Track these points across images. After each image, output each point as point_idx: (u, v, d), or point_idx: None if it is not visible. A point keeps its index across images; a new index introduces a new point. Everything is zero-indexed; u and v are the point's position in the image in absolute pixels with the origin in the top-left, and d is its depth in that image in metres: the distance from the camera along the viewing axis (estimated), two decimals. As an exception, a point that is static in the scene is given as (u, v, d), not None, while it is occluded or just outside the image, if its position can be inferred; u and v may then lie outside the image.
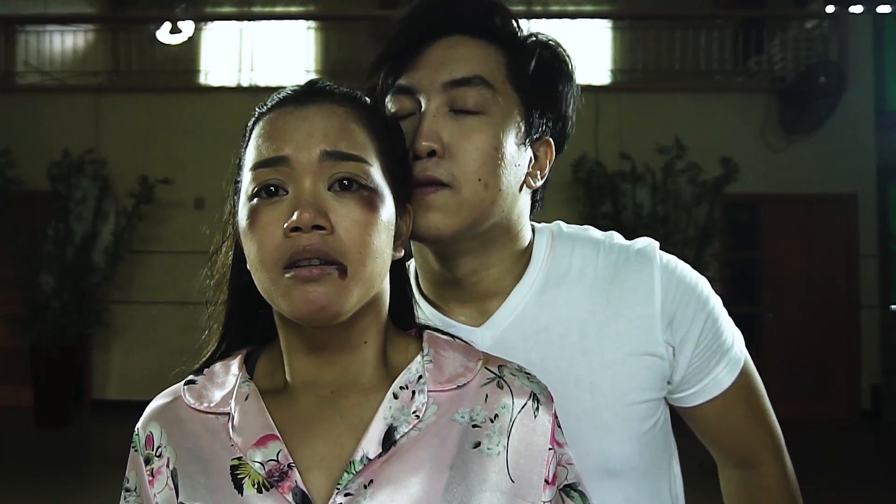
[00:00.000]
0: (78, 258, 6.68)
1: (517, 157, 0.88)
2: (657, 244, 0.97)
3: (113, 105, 7.29)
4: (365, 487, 0.69)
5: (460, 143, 0.84)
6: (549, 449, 0.75)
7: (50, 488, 4.98)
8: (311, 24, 8.36)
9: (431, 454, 0.71)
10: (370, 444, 0.70)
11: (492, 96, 0.86)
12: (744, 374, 0.98)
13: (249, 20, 8.30)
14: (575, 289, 0.93)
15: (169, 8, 8.25)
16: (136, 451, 0.77)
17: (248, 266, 0.73)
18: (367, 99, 0.79)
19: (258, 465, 0.70)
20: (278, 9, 9.38)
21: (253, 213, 0.70)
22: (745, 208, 7.13)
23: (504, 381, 0.76)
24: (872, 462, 6.04)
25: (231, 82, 7.84)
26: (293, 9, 9.42)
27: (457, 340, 0.81)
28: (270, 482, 0.69)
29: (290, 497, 0.69)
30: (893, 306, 7.48)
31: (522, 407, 0.75)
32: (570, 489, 0.76)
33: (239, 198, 0.75)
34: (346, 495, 0.68)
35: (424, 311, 0.91)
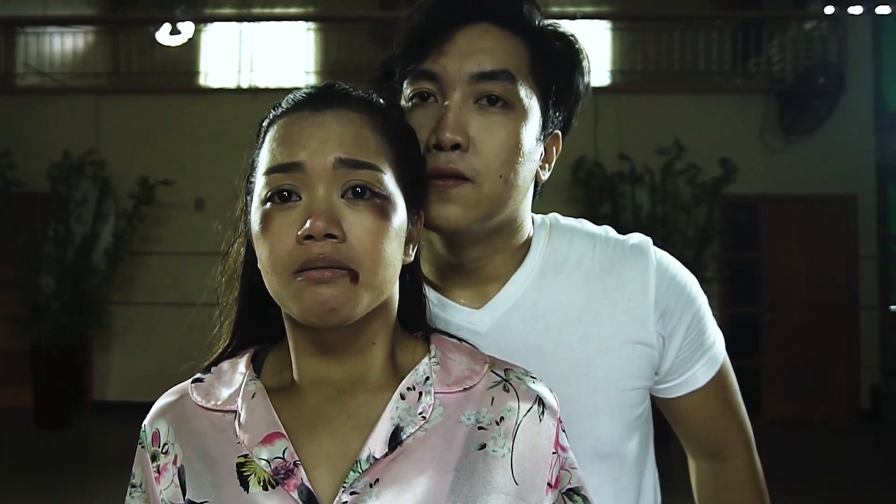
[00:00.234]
0: (78, 259, 6.69)
1: (534, 151, 0.89)
2: (650, 240, 1.00)
3: (113, 106, 7.30)
4: (371, 486, 0.69)
5: (485, 137, 0.85)
6: (553, 453, 0.75)
7: (50, 489, 4.98)
8: (311, 25, 8.37)
9: (437, 455, 0.71)
10: (376, 444, 0.70)
11: (516, 91, 0.86)
12: (722, 372, 1.02)
13: (249, 21, 8.30)
14: (573, 277, 0.96)
15: (169, 9, 8.25)
16: (142, 447, 0.78)
17: (258, 266, 0.74)
18: (382, 101, 0.79)
19: (264, 462, 0.71)
20: (278, 10, 9.38)
21: (266, 218, 0.70)
22: (745, 209, 7.14)
23: (510, 384, 0.77)
24: (872, 462, 6.05)
25: (231, 84, 7.84)
26: (293, 10, 9.42)
27: (464, 343, 0.82)
28: (276, 480, 0.70)
29: (295, 495, 0.69)
30: (893, 307, 7.49)
31: (528, 411, 0.76)
32: (572, 493, 0.77)
33: (251, 198, 0.75)
34: (351, 494, 0.69)
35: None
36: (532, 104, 0.88)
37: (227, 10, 9.45)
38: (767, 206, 7.17)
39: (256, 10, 9.24)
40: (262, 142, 0.76)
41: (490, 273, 0.94)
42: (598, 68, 7.74)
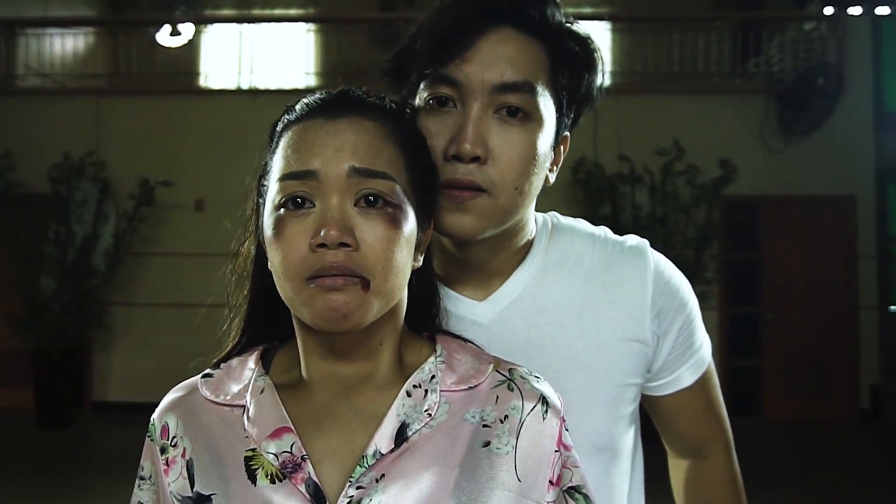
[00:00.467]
0: (78, 260, 6.69)
1: (547, 158, 0.90)
2: (648, 242, 1.02)
3: (113, 107, 7.31)
4: (377, 481, 0.70)
5: (504, 150, 0.85)
6: (556, 451, 0.76)
7: (51, 489, 4.99)
8: (311, 26, 8.38)
9: (442, 451, 0.73)
10: (383, 440, 0.71)
11: (535, 101, 0.86)
12: (707, 375, 1.05)
13: (249, 23, 8.31)
14: (573, 274, 0.98)
15: (169, 10, 8.26)
16: (151, 440, 0.79)
17: (269, 267, 0.75)
18: (395, 106, 0.80)
19: (272, 456, 0.72)
20: (278, 11, 9.38)
21: (279, 224, 0.71)
22: (744, 209, 7.14)
23: (515, 383, 0.78)
24: (872, 462, 6.05)
25: (231, 85, 7.85)
26: (292, 11, 9.43)
27: (469, 343, 0.83)
28: (284, 473, 0.71)
29: (302, 488, 0.70)
30: (892, 307, 7.50)
31: (532, 409, 0.77)
32: (574, 491, 0.78)
33: (263, 200, 0.76)
34: (357, 488, 0.70)
35: None
36: (549, 111, 0.88)
37: (227, 12, 9.45)
38: (767, 206, 7.18)
39: (256, 11, 9.24)
40: (276, 146, 0.76)
41: (494, 268, 0.96)
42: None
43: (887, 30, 7.74)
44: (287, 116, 0.78)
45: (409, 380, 0.76)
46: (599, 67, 0.93)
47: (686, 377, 1.02)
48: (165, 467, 0.76)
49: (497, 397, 0.77)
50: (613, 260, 0.99)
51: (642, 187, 6.54)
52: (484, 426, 0.75)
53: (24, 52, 7.75)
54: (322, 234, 0.68)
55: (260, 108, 7.13)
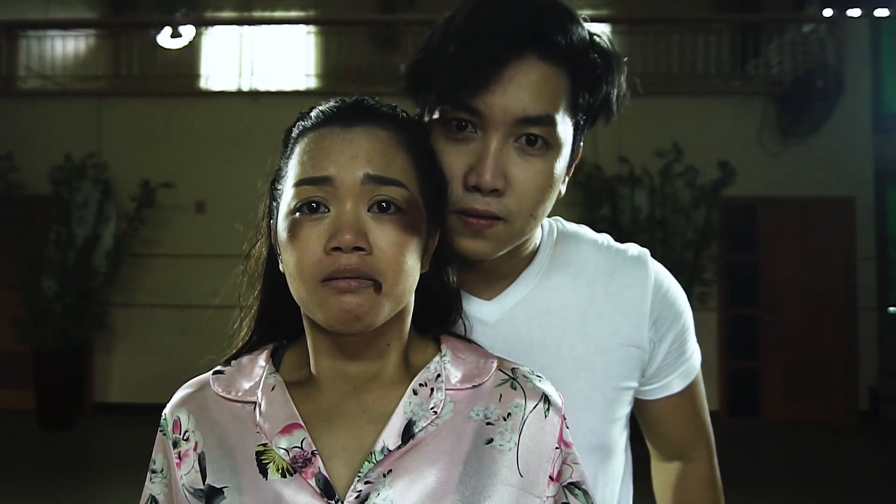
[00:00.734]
0: (80, 262, 6.70)
1: (562, 177, 0.92)
2: (649, 252, 1.06)
3: (114, 109, 7.32)
4: (384, 476, 0.73)
5: (522, 180, 0.86)
6: (556, 448, 0.79)
7: (52, 490, 5.00)
8: (311, 28, 8.40)
9: (447, 448, 0.75)
10: (390, 437, 0.74)
11: (555, 131, 0.86)
12: (695, 383, 1.10)
13: (249, 25, 8.33)
14: (577, 279, 1.01)
15: (169, 13, 8.29)
16: (163, 434, 0.81)
17: (281, 269, 0.77)
18: (407, 116, 0.82)
19: (283, 451, 0.74)
20: (278, 13, 9.42)
21: (294, 227, 0.73)
22: (743, 211, 7.15)
23: (517, 382, 0.81)
24: (870, 463, 6.06)
25: (231, 87, 7.87)
26: (293, 13, 9.46)
27: (472, 344, 0.86)
28: (294, 468, 0.73)
29: (312, 482, 0.72)
30: (891, 308, 7.52)
31: (534, 407, 0.79)
32: (574, 487, 0.80)
33: (277, 203, 0.78)
34: (366, 483, 0.72)
35: None
36: (567, 135, 0.89)
37: (227, 14, 9.49)
38: (766, 208, 7.19)
39: (257, 14, 9.28)
40: (291, 152, 0.78)
41: (502, 271, 0.98)
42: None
43: (886, 32, 7.76)
44: (302, 123, 0.80)
45: (416, 379, 0.78)
46: (618, 80, 0.92)
47: (676, 384, 1.07)
48: (178, 461, 0.79)
49: (500, 395, 0.79)
50: (616, 267, 1.02)
51: (641, 189, 6.56)
52: (487, 423, 0.77)
53: (25, 54, 7.76)
54: (337, 237, 0.70)
55: (260, 110, 7.16)
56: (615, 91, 0.92)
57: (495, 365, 0.82)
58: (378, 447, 0.73)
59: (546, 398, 0.80)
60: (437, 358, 0.81)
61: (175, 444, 0.79)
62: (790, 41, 7.36)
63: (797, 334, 7.15)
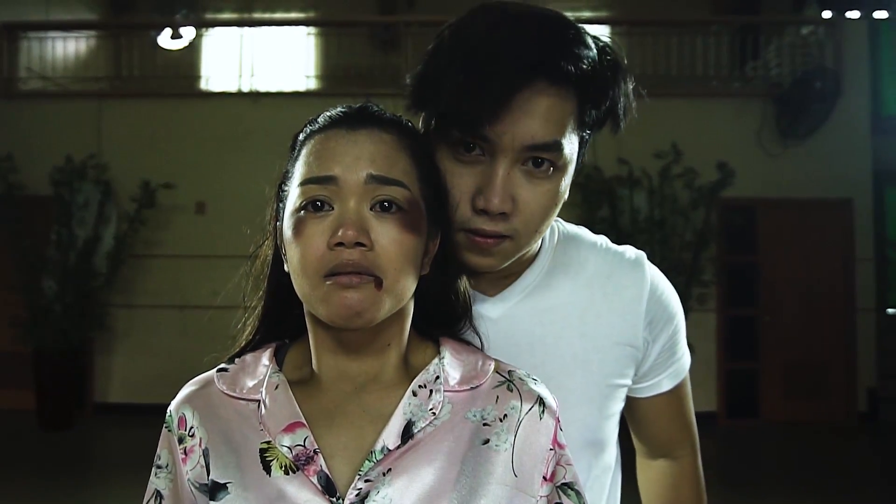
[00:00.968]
0: (80, 262, 6.71)
1: (566, 191, 0.94)
2: (645, 255, 1.09)
3: (115, 110, 7.34)
4: (384, 475, 0.74)
5: (529, 202, 0.89)
6: (551, 449, 0.81)
7: (52, 491, 5.01)
8: (311, 29, 8.41)
9: (445, 448, 0.77)
10: (390, 437, 0.76)
11: (562, 154, 0.88)
12: (683, 384, 1.13)
13: (249, 26, 8.35)
14: (576, 279, 1.04)
15: (170, 14, 8.30)
16: (169, 431, 0.83)
17: (286, 269, 0.79)
18: (410, 123, 0.84)
19: (286, 449, 0.76)
20: (278, 15, 9.44)
21: (299, 224, 0.75)
22: (742, 212, 7.16)
23: (514, 384, 0.83)
24: (869, 464, 6.08)
25: (232, 88, 7.88)
26: (293, 15, 9.48)
27: (471, 346, 0.88)
28: (297, 465, 0.75)
29: (314, 480, 0.74)
30: (889, 310, 7.53)
31: (529, 410, 0.81)
32: (567, 487, 0.82)
33: (283, 205, 0.80)
34: (366, 481, 0.74)
35: None
36: (573, 152, 0.91)
37: (227, 15, 9.50)
38: (765, 209, 7.20)
39: (257, 15, 9.29)
40: (298, 154, 0.81)
41: (506, 270, 1.00)
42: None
43: (885, 34, 7.77)
44: (309, 127, 0.82)
45: (415, 380, 0.80)
46: (625, 91, 0.93)
47: (665, 383, 1.10)
48: (184, 456, 0.80)
49: (497, 397, 0.81)
50: (614, 269, 1.05)
51: (640, 190, 6.57)
52: (484, 424, 0.79)
53: (26, 55, 7.77)
54: (340, 233, 0.72)
55: (260, 111, 7.18)
56: (622, 103, 0.93)
57: (493, 367, 0.84)
58: (378, 447, 0.75)
59: (541, 401, 0.82)
60: (436, 360, 0.83)
61: (181, 440, 0.81)
62: (789, 43, 7.38)
63: (796, 335, 7.16)
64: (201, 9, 9.02)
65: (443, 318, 0.88)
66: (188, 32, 8.02)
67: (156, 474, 0.83)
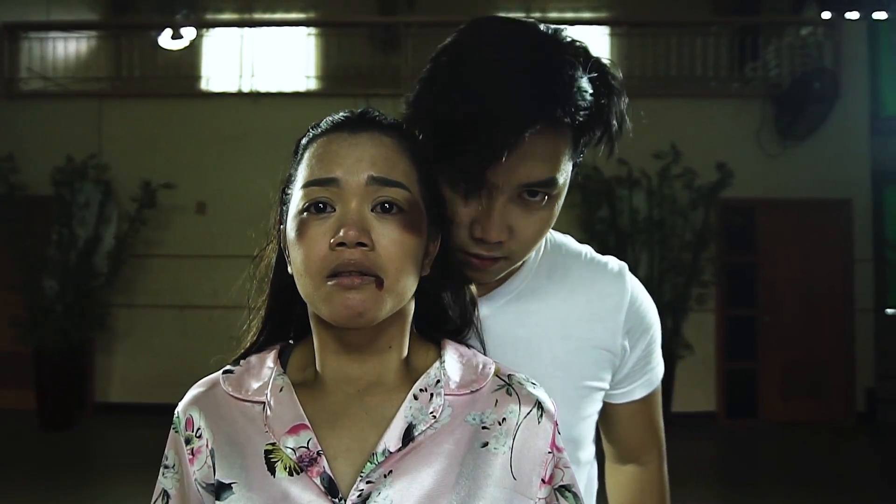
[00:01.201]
0: (81, 262, 6.72)
1: (560, 208, 0.97)
2: (626, 266, 1.14)
3: (115, 110, 7.35)
4: (385, 477, 0.76)
5: (525, 228, 0.92)
6: (549, 452, 0.82)
7: (53, 490, 5.02)
8: (312, 30, 8.42)
9: (445, 451, 0.78)
10: (391, 439, 0.77)
11: (557, 185, 0.92)
12: (654, 393, 1.18)
13: (250, 26, 8.36)
14: (561, 285, 1.08)
15: (170, 14, 8.31)
16: (176, 432, 0.84)
17: (290, 271, 0.81)
18: (410, 129, 0.86)
19: (290, 450, 0.77)
20: (278, 15, 9.45)
21: (302, 226, 0.77)
22: (741, 213, 7.17)
23: (513, 388, 0.84)
24: (867, 464, 6.09)
25: (232, 88, 7.90)
26: (293, 15, 9.49)
27: (471, 349, 0.89)
28: (301, 467, 0.77)
29: (317, 481, 0.76)
30: (888, 310, 7.54)
31: (528, 413, 0.83)
32: (564, 489, 0.83)
33: (287, 208, 0.82)
34: (367, 483, 0.76)
35: None
36: (567, 177, 0.94)
37: (228, 15, 9.51)
38: (764, 209, 7.22)
39: (257, 15, 9.30)
40: (301, 157, 0.82)
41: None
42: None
43: (884, 35, 7.77)
44: (312, 131, 0.84)
45: (416, 384, 0.82)
46: (617, 113, 0.94)
47: (638, 391, 1.14)
48: (191, 457, 0.82)
49: (496, 401, 0.83)
50: (597, 278, 1.09)
51: (640, 190, 6.58)
52: (483, 428, 0.81)
53: (26, 55, 7.77)
54: (341, 233, 0.74)
55: (261, 111, 7.19)
56: (615, 124, 0.95)
57: (493, 370, 0.85)
58: (380, 449, 0.77)
59: (539, 405, 0.84)
60: (437, 363, 0.84)
61: (188, 442, 0.83)
62: (788, 44, 7.39)
63: (795, 336, 7.17)
64: (202, 9, 9.03)
65: (445, 320, 0.90)
66: (188, 33, 8.03)
67: (163, 474, 0.85)
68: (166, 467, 0.85)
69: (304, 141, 0.84)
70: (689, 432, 6.51)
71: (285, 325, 0.89)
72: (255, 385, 0.83)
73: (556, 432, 0.84)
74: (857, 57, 7.30)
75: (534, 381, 0.87)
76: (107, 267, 6.81)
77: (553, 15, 9.22)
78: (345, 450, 0.78)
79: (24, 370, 6.74)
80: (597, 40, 8.10)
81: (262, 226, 0.90)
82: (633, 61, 7.69)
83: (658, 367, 1.17)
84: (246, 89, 7.74)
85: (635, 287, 1.12)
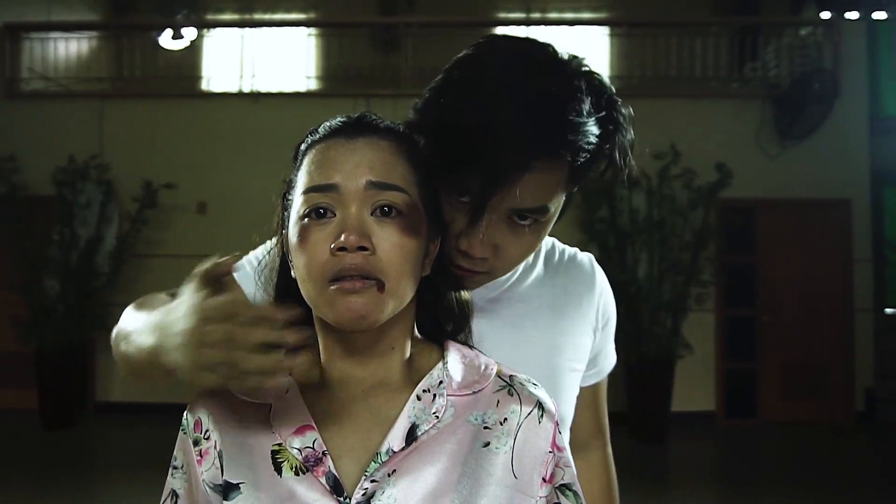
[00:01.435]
0: (82, 262, 6.74)
1: (549, 230, 0.99)
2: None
3: (116, 111, 7.37)
4: (389, 476, 0.78)
5: (509, 249, 0.93)
6: (549, 452, 0.84)
7: (54, 489, 5.02)
8: (312, 30, 8.44)
9: (448, 450, 0.80)
10: (395, 439, 0.79)
11: (548, 212, 0.92)
12: (604, 380, 1.24)
13: (250, 27, 8.37)
14: (544, 273, 1.13)
15: (171, 15, 8.33)
16: (185, 433, 0.86)
17: (293, 275, 0.82)
18: (407, 132, 0.87)
19: (296, 451, 0.79)
20: (279, 15, 9.46)
21: (303, 231, 0.79)
22: (740, 213, 7.18)
23: (514, 389, 0.86)
24: (866, 464, 6.09)
25: (233, 88, 7.91)
26: (294, 15, 9.50)
27: (474, 350, 0.91)
28: (306, 466, 0.78)
29: (323, 480, 0.78)
30: (887, 310, 7.54)
31: (529, 413, 0.84)
32: (565, 488, 0.85)
33: (288, 213, 0.84)
34: (372, 481, 0.77)
35: None
36: (559, 206, 0.95)
37: (228, 16, 9.53)
38: (763, 209, 7.23)
39: (258, 16, 9.32)
40: (301, 164, 0.84)
41: None
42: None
43: (883, 35, 7.78)
44: (311, 137, 0.85)
45: (420, 384, 0.83)
46: (623, 149, 0.93)
47: (594, 377, 1.20)
48: (199, 458, 0.84)
49: (498, 401, 0.84)
50: (571, 267, 1.15)
51: (639, 191, 6.58)
52: (485, 428, 0.82)
53: (28, 56, 7.79)
54: (342, 238, 0.75)
55: (261, 111, 7.20)
56: (620, 159, 0.93)
57: (495, 371, 0.87)
58: (384, 448, 0.78)
59: (540, 405, 0.85)
60: (440, 365, 0.86)
61: (196, 443, 0.84)
62: (788, 44, 7.40)
63: (794, 335, 7.19)
64: (202, 9, 9.05)
65: (446, 320, 0.91)
66: (189, 33, 8.05)
67: (172, 475, 0.87)
68: (175, 468, 0.87)
69: (302, 147, 0.86)
70: (688, 432, 6.53)
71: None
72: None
73: (557, 432, 0.85)
74: (857, 57, 7.31)
75: (535, 382, 0.88)
76: (108, 267, 6.82)
77: (553, 15, 9.24)
78: (349, 449, 0.80)
79: (25, 370, 6.75)
80: (597, 40, 8.11)
81: (266, 229, 0.92)
82: (633, 61, 7.70)
83: (612, 356, 1.22)
84: (247, 89, 7.76)
85: (604, 277, 1.17)
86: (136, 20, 9.01)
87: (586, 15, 9.19)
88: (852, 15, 7.35)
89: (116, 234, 6.96)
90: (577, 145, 0.87)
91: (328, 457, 0.78)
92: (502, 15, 9.59)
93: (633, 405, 6.26)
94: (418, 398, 0.82)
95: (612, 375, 1.26)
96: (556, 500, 0.84)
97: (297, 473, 0.78)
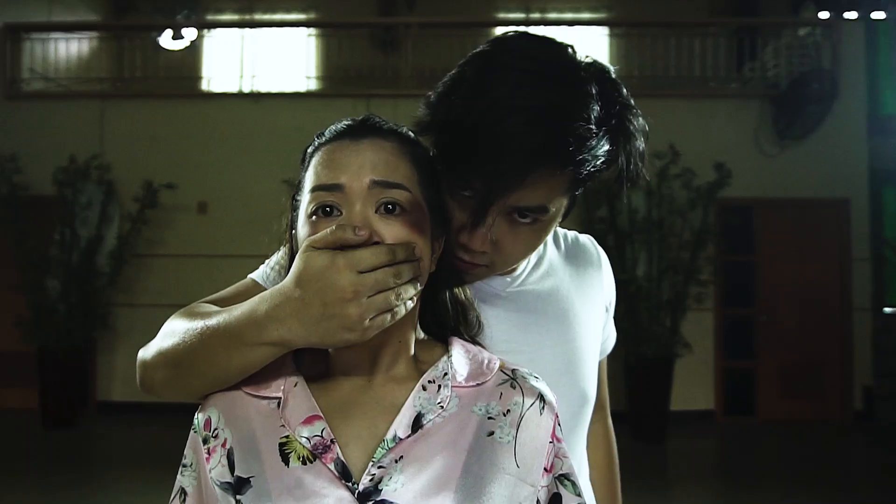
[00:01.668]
0: (83, 262, 6.76)
1: (553, 228, 1.01)
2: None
3: (117, 111, 7.39)
4: (395, 462, 0.80)
5: (508, 245, 0.95)
6: (550, 442, 0.87)
7: (56, 488, 5.05)
8: (312, 30, 8.46)
9: (453, 439, 0.82)
10: (401, 426, 0.81)
11: (548, 212, 0.93)
12: (604, 359, 1.26)
13: (251, 27, 8.39)
14: (557, 260, 1.15)
15: (171, 15, 8.35)
16: (195, 432, 0.89)
17: None
18: (411, 134, 0.90)
19: (304, 440, 0.81)
20: (279, 16, 9.49)
21: (312, 229, 0.81)
22: (739, 212, 7.20)
23: (517, 382, 0.89)
24: (865, 463, 6.12)
25: (233, 88, 7.94)
26: (294, 16, 9.53)
27: (477, 346, 0.94)
28: (315, 455, 0.81)
29: (331, 467, 0.80)
30: (885, 309, 7.56)
31: (531, 405, 0.87)
32: (564, 478, 0.88)
33: (297, 213, 0.87)
34: (379, 467, 0.79)
35: None
36: (561, 208, 0.96)
37: (229, 16, 9.55)
38: (762, 209, 7.25)
39: (258, 16, 9.34)
40: (308, 165, 0.87)
41: None
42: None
43: (882, 35, 7.81)
44: (318, 140, 0.89)
45: (425, 376, 0.86)
46: (633, 157, 0.94)
47: (601, 351, 1.23)
48: (207, 456, 0.86)
49: (501, 394, 0.87)
50: (578, 250, 1.19)
51: (639, 190, 6.58)
52: (489, 418, 0.85)
53: (28, 56, 7.81)
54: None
55: (261, 111, 7.22)
56: (630, 168, 0.94)
57: (498, 365, 0.90)
58: (390, 435, 0.80)
59: (542, 397, 0.88)
60: (444, 358, 0.89)
61: (205, 441, 0.87)
62: (786, 44, 7.42)
63: (793, 335, 7.21)
64: (202, 10, 9.07)
65: (450, 316, 0.94)
66: (190, 33, 8.07)
67: (181, 473, 0.89)
68: (184, 466, 0.89)
69: (310, 149, 0.89)
70: (687, 430, 6.55)
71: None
72: (271, 383, 0.87)
73: (557, 424, 0.88)
74: (855, 57, 7.33)
75: (536, 375, 0.91)
76: (109, 267, 6.84)
77: (553, 15, 9.26)
78: (356, 437, 0.82)
79: (27, 369, 6.77)
80: (596, 40, 8.13)
81: (275, 229, 0.95)
82: (632, 61, 7.72)
83: (613, 333, 1.26)
84: (247, 90, 7.78)
85: (605, 256, 1.22)
86: (137, 21, 9.03)
87: (586, 15, 9.21)
88: (851, 15, 7.39)
89: (117, 234, 6.98)
90: (580, 158, 0.86)
91: (336, 444, 0.80)
92: (502, 15, 9.61)
93: (632, 404, 6.28)
94: (423, 388, 0.84)
95: (611, 374, 1.30)
96: (556, 490, 0.87)
97: (304, 463, 0.80)
